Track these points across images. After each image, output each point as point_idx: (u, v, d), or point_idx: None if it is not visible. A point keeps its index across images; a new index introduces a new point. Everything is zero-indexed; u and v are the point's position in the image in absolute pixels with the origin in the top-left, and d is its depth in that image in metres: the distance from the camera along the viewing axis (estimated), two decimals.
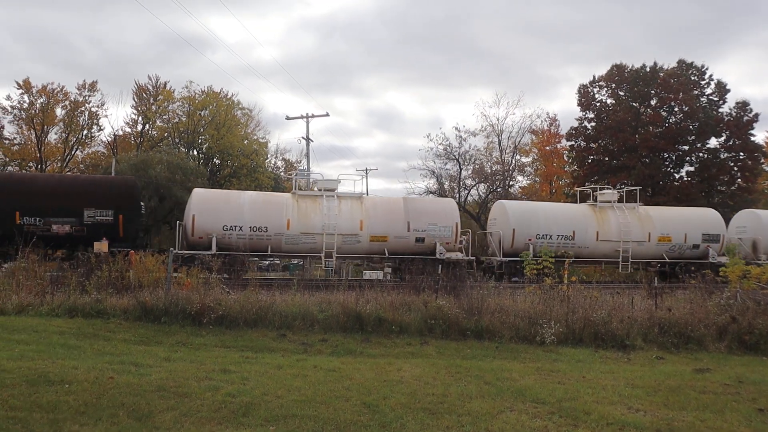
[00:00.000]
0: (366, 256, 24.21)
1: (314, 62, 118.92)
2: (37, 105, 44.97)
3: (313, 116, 43.05)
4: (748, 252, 25.98)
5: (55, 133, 46.94)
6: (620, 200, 26.45)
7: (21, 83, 44.57)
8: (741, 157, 41.84)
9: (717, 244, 26.03)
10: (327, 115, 43.12)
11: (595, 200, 26.83)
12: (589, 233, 25.30)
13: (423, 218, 23.21)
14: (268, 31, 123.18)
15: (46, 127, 45.33)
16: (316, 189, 24.41)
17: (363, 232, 22.76)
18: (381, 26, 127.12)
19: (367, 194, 31.61)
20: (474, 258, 24.30)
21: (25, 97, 44.68)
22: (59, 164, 46.71)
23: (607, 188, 28.21)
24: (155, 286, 13.42)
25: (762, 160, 43.23)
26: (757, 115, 42.04)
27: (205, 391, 7.14)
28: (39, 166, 45.31)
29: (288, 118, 44.31)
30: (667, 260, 25.93)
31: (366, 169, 60.96)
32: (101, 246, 19.58)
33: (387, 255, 23.13)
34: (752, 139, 42.23)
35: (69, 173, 43.44)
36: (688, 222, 26.55)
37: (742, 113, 42.22)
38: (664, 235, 25.81)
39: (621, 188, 28.60)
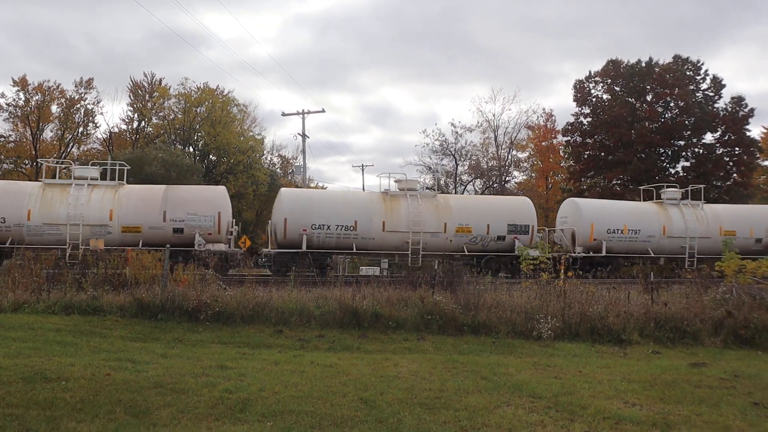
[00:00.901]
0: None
1: (310, 59, 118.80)
2: (33, 102, 44.79)
3: (309, 112, 43.09)
4: (568, 243, 25.52)
5: (51, 131, 46.81)
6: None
7: (17, 80, 44.38)
8: (736, 152, 41.93)
9: (526, 236, 24.13)
10: (323, 111, 42.98)
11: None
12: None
13: (182, 207, 22.02)
14: (263, 27, 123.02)
15: (41, 124, 45.15)
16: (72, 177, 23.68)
17: (113, 222, 21.75)
18: (376, 22, 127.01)
19: (363, 190, 31.53)
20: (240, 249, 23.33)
21: (21, 95, 44.52)
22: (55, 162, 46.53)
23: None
24: (152, 282, 13.39)
25: (758, 155, 43.32)
26: (752, 110, 42.16)
27: (202, 387, 7.14)
28: (34, 164, 45.14)
29: (284, 115, 44.47)
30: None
31: (362, 165, 61.01)
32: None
33: (141, 247, 21.58)
34: (748, 134, 42.33)
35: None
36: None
37: (738, 108, 42.29)
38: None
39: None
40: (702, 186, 27.91)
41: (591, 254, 24.79)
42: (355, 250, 22.75)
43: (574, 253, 24.61)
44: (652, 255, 25.38)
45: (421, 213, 23.00)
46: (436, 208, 23.63)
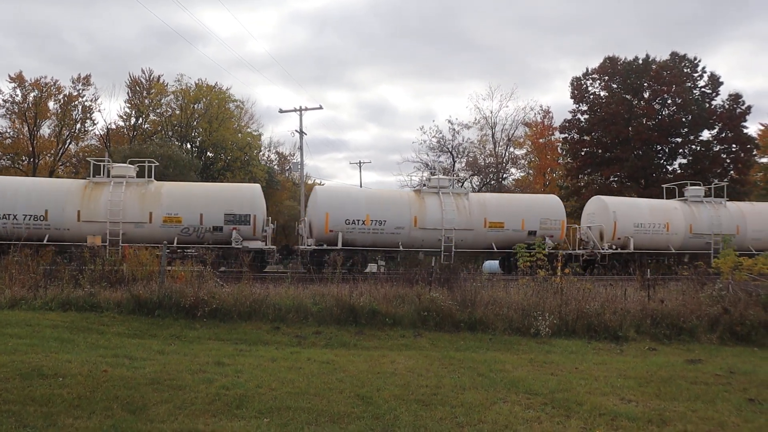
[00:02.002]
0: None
1: (307, 55, 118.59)
2: (30, 99, 44.71)
3: (306, 109, 42.94)
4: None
5: (48, 127, 46.75)
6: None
7: (14, 77, 44.30)
8: (734, 150, 41.98)
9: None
10: (320, 108, 42.81)
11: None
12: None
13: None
14: (260, 24, 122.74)
15: (38, 120, 45.08)
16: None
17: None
18: (374, 19, 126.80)
19: (361, 187, 31.70)
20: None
21: (18, 91, 44.43)
22: (52, 158, 46.49)
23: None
24: (149, 279, 13.39)
25: (755, 152, 43.38)
26: (749, 108, 42.17)
27: (199, 383, 7.15)
28: (32, 160, 45.09)
29: (281, 111, 44.24)
30: None
31: (360, 162, 61.00)
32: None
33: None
34: (745, 131, 42.37)
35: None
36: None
37: (735, 105, 42.31)
38: None
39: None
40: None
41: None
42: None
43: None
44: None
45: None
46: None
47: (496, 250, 24.08)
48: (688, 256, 25.86)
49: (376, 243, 23.26)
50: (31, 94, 44.80)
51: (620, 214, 25.66)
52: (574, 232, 26.82)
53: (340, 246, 22.02)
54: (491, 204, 24.94)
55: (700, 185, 28.37)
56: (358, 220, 22.79)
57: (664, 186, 30.06)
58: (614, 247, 25.25)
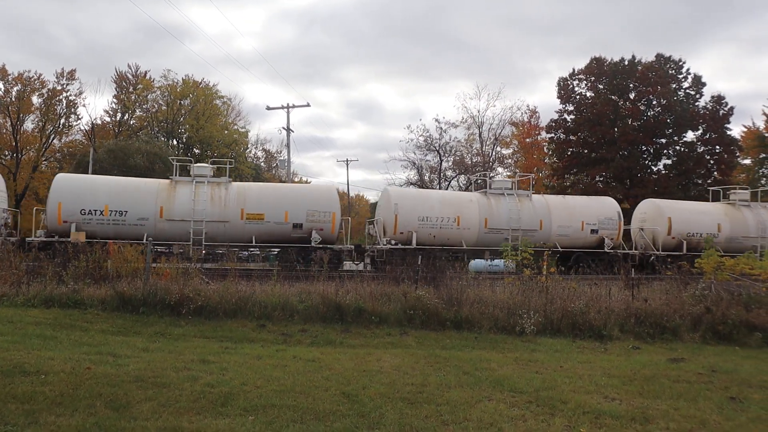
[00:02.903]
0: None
1: (295, 53, 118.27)
2: (13, 93, 44.18)
3: (293, 107, 42.85)
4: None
5: (32, 122, 46.21)
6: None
7: None
8: (717, 151, 42.46)
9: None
10: (308, 105, 42.86)
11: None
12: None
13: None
14: (247, 21, 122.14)
15: (22, 115, 44.54)
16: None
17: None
18: (362, 18, 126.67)
19: (348, 185, 32.01)
20: None
21: (0, 85, 43.89)
22: (35, 153, 45.98)
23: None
24: (134, 276, 13.30)
25: (738, 154, 43.89)
26: (732, 109, 42.68)
27: (183, 381, 7.10)
28: (15, 155, 44.56)
29: (268, 108, 44.12)
30: None
31: (347, 160, 60.96)
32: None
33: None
34: (728, 133, 42.84)
35: None
36: None
37: (718, 107, 42.79)
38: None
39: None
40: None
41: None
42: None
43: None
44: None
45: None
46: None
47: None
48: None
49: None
50: (15, 89, 44.29)
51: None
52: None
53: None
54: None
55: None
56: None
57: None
58: (393, 242, 23.78)
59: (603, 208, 26.53)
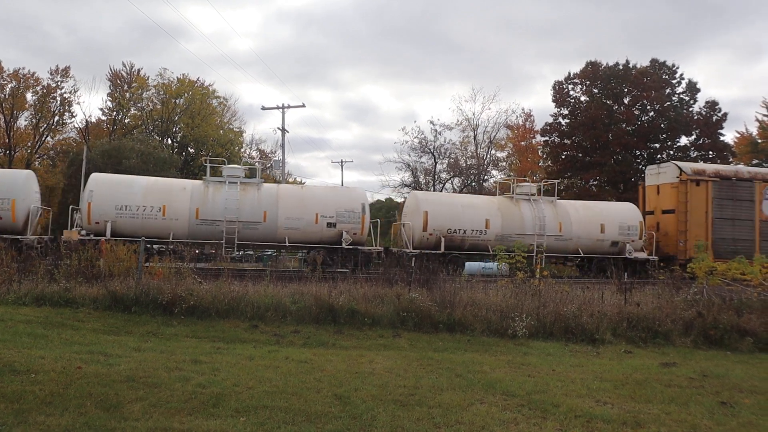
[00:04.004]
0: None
1: (291, 54, 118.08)
2: (8, 89, 43.96)
3: (289, 107, 42.74)
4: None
5: (25, 119, 46.00)
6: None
7: None
8: (710, 156, 42.64)
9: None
10: (303, 106, 42.70)
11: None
12: None
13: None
14: (244, 21, 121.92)
15: (15, 112, 44.33)
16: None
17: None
18: (358, 20, 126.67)
19: (342, 185, 31.92)
20: None
21: None
22: (29, 150, 45.77)
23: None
24: (126, 275, 13.25)
25: (731, 159, 44.11)
26: (725, 115, 42.91)
27: (175, 381, 7.07)
28: (8, 152, 44.35)
29: (264, 108, 43.99)
30: None
31: (341, 161, 60.98)
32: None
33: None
34: (721, 138, 43.06)
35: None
36: None
37: (712, 113, 43.02)
38: None
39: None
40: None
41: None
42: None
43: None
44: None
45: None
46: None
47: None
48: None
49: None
50: (9, 85, 44.07)
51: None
52: None
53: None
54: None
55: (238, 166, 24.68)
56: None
57: None
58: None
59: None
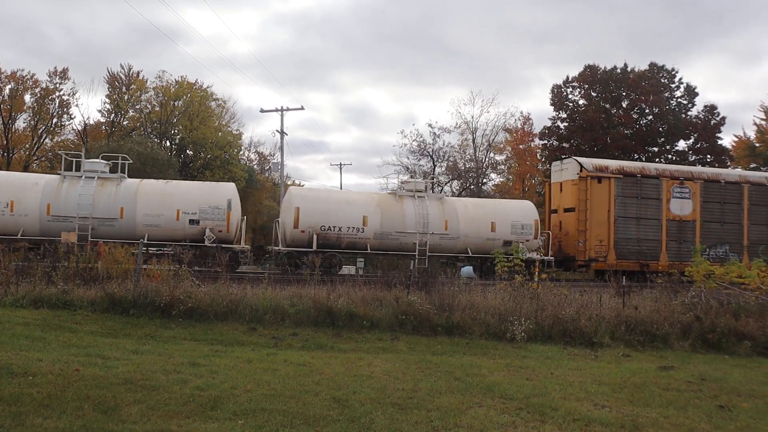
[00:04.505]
0: None
1: (289, 57, 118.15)
2: (6, 91, 43.91)
3: (287, 109, 42.75)
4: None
5: (24, 121, 45.94)
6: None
7: None
8: (709, 160, 42.74)
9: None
10: (302, 108, 42.68)
11: None
12: None
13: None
14: (242, 25, 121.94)
15: (13, 113, 44.27)
16: None
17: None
18: (357, 24, 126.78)
19: (340, 188, 31.65)
20: None
21: None
22: (27, 152, 45.71)
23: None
24: (124, 277, 13.23)
25: (729, 163, 44.21)
26: (724, 119, 43.05)
27: (173, 384, 7.06)
28: (5, 154, 44.29)
29: (262, 111, 44.02)
30: None
31: (340, 164, 60.96)
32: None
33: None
34: (719, 142, 43.17)
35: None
36: None
37: (710, 117, 43.13)
38: None
39: None
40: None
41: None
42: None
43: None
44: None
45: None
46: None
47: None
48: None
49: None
50: (7, 87, 44.02)
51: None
52: None
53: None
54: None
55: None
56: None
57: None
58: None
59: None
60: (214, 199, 22.12)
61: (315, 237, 22.22)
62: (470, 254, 23.62)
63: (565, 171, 26.45)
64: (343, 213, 22.97)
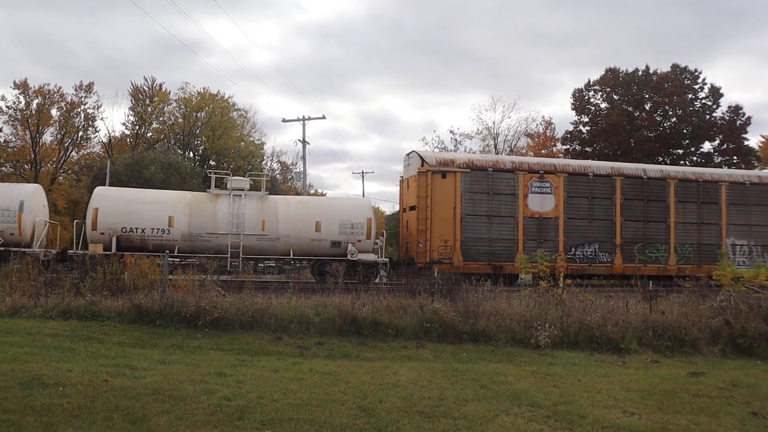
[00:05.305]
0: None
1: (310, 67, 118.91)
2: (33, 105, 44.84)
3: (309, 119, 43.01)
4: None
5: (51, 135, 46.85)
6: None
7: (18, 84, 44.41)
8: (735, 161, 42.09)
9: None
10: (323, 117, 42.89)
11: None
12: None
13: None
14: (263, 36, 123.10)
15: (41, 127, 45.17)
16: None
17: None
18: (376, 32, 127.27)
19: (363, 196, 31.06)
20: None
21: (21, 98, 44.56)
22: (54, 165, 46.58)
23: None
24: (150, 288, 13.37)
25: (756, 164, 43.48)
26: (749, 119, 42.35)
27: (200, 394, 7.11)
28: (34, 167, 45.17)
29: (284, 121, 44.31)
30: None
31: (362, 172, 61.13)
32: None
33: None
34: (745, 143, 42.50)
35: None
36: None
37: (735, 117, 42.49)
38: None
39: None
40: None
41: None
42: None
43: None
44: None
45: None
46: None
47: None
48: None
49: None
50: (35, 101, 44.95)
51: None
52: None
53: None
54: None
55: None
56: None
57: None
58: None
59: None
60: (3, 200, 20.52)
61: (115, 239, 20.44)
62: (292, 256, 21.64)
63: (410, 166, 24.13)
64: (146, 213, 21.05)
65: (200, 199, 21.94)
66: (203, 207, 21.44)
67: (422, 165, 22.65)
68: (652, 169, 25.70)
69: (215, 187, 22.35)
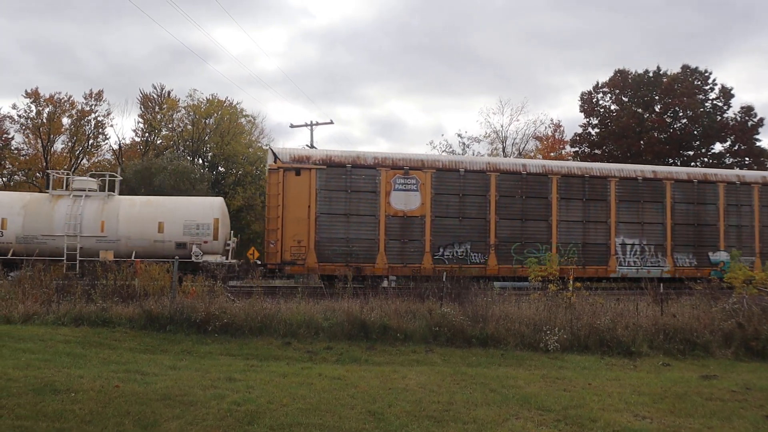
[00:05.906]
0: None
1: (317, 72, 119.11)
2: (45, 114, 45.22)
3: (317, 124, 43.09)
4: None
5: (62, 143, 47.22)
6: None
7: (30, 92, 44.82)
8: (747, 162, 41.77)
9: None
10: (331, 122, 43.23)
11: None
12: None
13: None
14: (270, 42, 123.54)
15: (52, 136, 45.55)
16: None
17: None
18: (383, 37, 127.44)
19: None
20: None
21: (33, 107, 44.95)
22: (65, 173, 46.91)
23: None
24: (160, 294, 13.45)
25: None
26: (761, 120, 42.01)
27: (210, 399, 7.14)
28: (45, 175, 45.56)
29: (292, 126, 44.47)
30: None
31: None
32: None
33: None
34: (757, 144, 42.17)
35: None
36: None
37: (747, 118, 42.17)
38: None
39: None
40: None
41: None
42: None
43: None
44: None
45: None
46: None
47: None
48: None
49: None
50: (46, 110, 45.33)
51: None
52: None
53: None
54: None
55: None
56: None
57: None
58: None
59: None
60: None
61: None
62: (135, 258, 20.22)
63: (268, 163, 22.60)
64: None
65: (39, 201, 21.32)
66: (40, 208, 20.78)
67: (275, 161, 21.43)
68: (532, 164, 24.08)
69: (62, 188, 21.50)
